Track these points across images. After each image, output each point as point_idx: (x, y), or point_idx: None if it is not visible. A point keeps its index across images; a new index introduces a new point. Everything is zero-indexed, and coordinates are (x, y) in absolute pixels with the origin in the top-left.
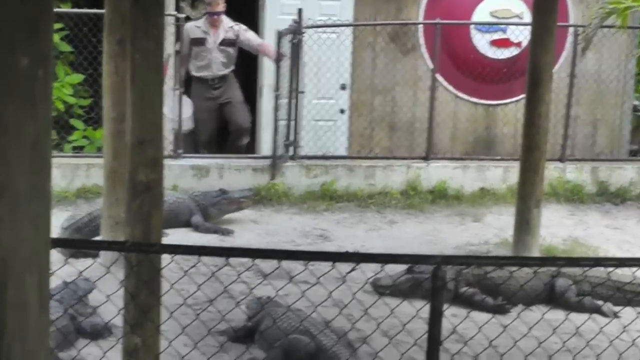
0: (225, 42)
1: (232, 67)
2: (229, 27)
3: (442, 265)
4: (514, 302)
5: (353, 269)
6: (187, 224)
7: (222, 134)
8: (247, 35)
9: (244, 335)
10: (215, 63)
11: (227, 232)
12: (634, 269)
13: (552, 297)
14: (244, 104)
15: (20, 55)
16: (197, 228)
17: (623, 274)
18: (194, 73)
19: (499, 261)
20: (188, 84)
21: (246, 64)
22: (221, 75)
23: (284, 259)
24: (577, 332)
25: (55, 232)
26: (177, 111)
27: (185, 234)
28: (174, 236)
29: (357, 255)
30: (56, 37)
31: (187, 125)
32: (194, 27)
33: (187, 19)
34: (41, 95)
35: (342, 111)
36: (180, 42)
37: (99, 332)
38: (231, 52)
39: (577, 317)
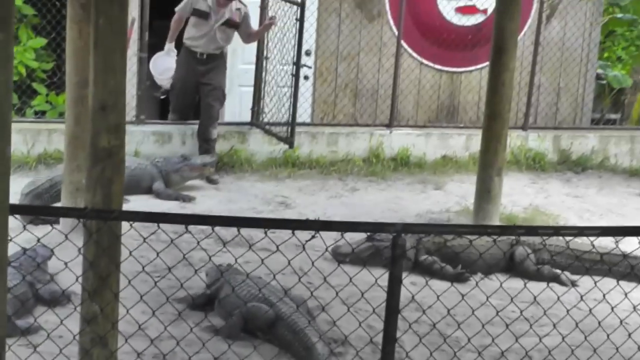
0: (228, 23)
1: (226, 48)
2: (236, 8)
3: (401, 234)
4: (473, 271)
5: (313, 237)
6: (148, 190)
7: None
8: (248, 22)
9: (203, 303)
10: (211, 40)
11: (188, 199)
12: (593, 237)
13: (511, 266)
14: (222, 92)
15: None
16: (158, 195)
17: (582, 242)
18: (187, 41)
19: (459, 230)
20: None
21: None
22: (212, 53)
23: (244, 226)
24: (536, 301)
25: (16, 198)
26: (156, 71)
27: (146, 200)
28: (135, 203)
29: (317, 222)
30: (19, 0)
31: (164, 83)
32: None
33: None
34: (1, 59)
35: (306, 77)
36: (180, 5)
37: (57, 300)
38: (230, 34)
39: (536, 286)
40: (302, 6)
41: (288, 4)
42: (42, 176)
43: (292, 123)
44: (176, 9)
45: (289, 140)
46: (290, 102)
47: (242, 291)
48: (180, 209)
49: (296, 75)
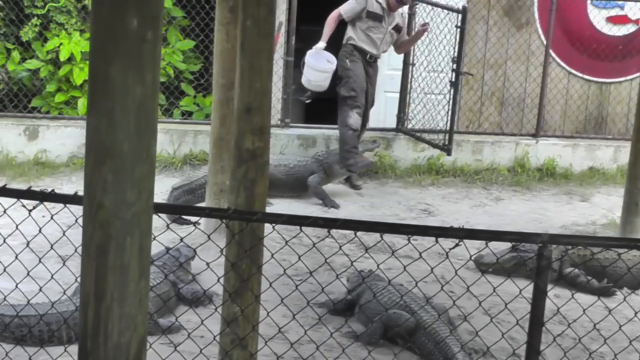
0: (395, 27)
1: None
2: (401, 13)
3: (547, 244)
4: (619, 286)
5: (456, 245)
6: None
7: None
8: (406, 28)
9: (344, 309)
10: (384, 44)
11: (333, 205)
12: None
13: None
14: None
15: (130, 17)
16: (310, 187)
17: None
18: (358, 43)
19: (606, 242)
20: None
21: None
22: (377, 57)
23: (387, 232)
24: None
25: (162, 197)
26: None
27: (290, 204)
28: (279, 206)
29: (460, 231)
30: (169, 2)
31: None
32: (374, 1)
33: None
34: (150, 58)
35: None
36: (347, 6)
37: (198, 300)
38: (394, 39)
39: None
40: (464, 13)
41: (444, 11)
42: (199, 172)
43: (450, 131)
44: (342, 10)
45: (446, 148)
46: (448, 110)
47: (384, 298)
48: (323, 213)
49: (455, 83)
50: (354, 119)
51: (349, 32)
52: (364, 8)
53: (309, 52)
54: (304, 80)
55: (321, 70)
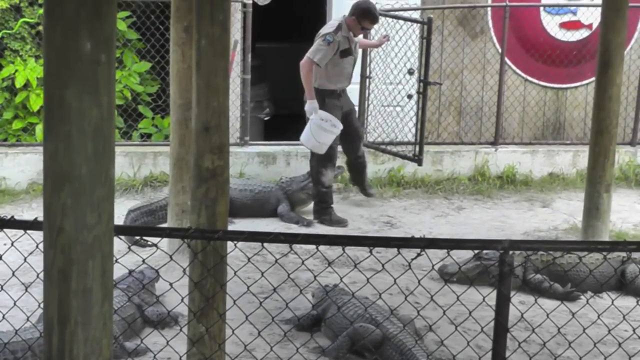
0: (356, 47)
1: None
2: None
3: (509, 251)
4: (583, 289)
5: (419, 255)
6: (274, 212)
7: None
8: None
9: (310, 324)
10: (352, 72)
11: (308, 223)
12: None
13: (622, 284)
14: None
15: (83, 40)
16: (281, 217)
17: None
18: (330, 86)
19: (568, 246)
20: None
21: None
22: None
23: (349, 245)
24: None
25: (121, 220)
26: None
27: (252, 222)
28: (240, 224)
29: (422, 240)
30: (123, 25)
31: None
32: (343, 38)
33: (255, 5)
34: (104, 81)
35: (409, 96)
36: (320, 53)
37: (163, 321)
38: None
39: None
40: (429, 24)
41: (399, 23)
42: (160, 194)
43: (420, 142)
44: (314, 58)
45: (417, 159)
46: (418, 120)
47: (349, 311)
48: (287, 229)
49: (424, 94)
50: (328, 177)
51: (317, 75)
52: (337, 49)
53: (312, 117)
54: (311, 144)
55: (329, 131)
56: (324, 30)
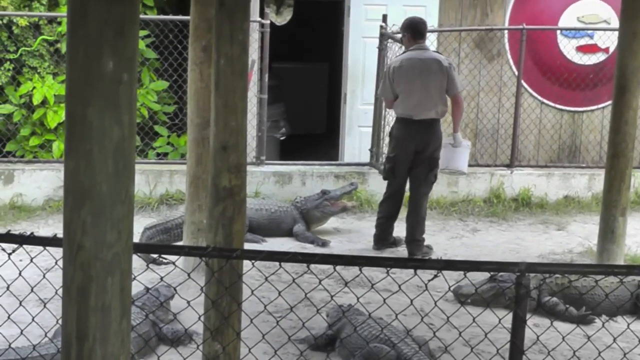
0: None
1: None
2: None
3: (525, 273)
4: (598, 313)
5: (435, 277)
6: (289, 232)
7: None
8: None
9: (325, 344)
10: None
11: (323, 243)
12: None
13: (637, 307)
14: None
15: (106, 59)
16: (297, 237)
17: None
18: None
19: (585, 269)
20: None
21: (330, 71)
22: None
23: (365, 265)
24: None
25: (137, 238)
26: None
27: (283, 242)
28: (256, 244)
29: (439, 262)
30: (142, 44)
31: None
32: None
33: (272, 25)
34: (126, 99)
35: None
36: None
37: (179, 339)
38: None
39: None
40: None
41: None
42: (176, 212)
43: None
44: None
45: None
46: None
47: (364, 331)
48: (303, 249)
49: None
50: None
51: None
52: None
53: (464, 143)
54: (453, 165)
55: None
56: (443, 58)
